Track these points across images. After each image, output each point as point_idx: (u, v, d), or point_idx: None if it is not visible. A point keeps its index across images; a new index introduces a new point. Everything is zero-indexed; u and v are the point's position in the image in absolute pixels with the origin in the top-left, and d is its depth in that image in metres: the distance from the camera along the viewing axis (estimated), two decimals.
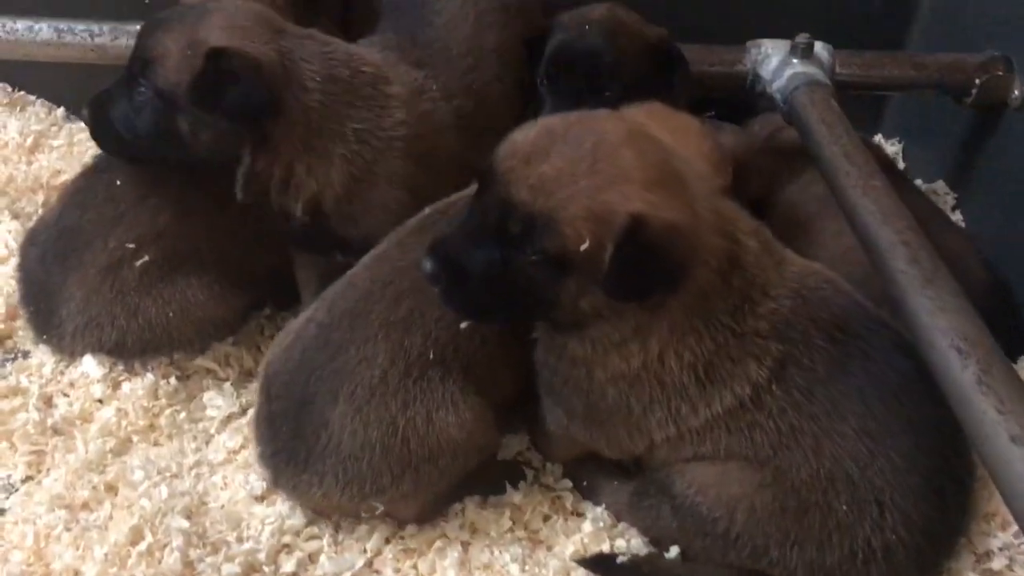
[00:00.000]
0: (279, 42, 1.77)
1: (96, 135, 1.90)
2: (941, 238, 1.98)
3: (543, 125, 1.45)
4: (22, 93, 2.89)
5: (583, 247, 1.35)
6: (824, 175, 1.92)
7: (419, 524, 1.74)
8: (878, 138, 2.82)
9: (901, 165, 2.74)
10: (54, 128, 2.80)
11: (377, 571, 1.69)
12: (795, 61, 2.21)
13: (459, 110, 2.03)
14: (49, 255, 1.98)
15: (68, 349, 2.01)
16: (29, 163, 2.63)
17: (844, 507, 1.46)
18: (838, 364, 1.49)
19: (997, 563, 1.59)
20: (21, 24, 2.30)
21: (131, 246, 1.92)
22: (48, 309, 1.99)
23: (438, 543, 1.71)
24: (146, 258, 1.92)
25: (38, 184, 2.54)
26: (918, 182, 2.58)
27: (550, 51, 2.12)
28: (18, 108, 2.85)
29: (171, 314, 1.94)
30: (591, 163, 1.37)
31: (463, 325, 1.62)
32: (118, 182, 1.95)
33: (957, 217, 2.48)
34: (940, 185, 2.57)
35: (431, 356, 1.66)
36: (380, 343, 1.66)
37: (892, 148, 2.80)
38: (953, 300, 1.51)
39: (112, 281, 1.93)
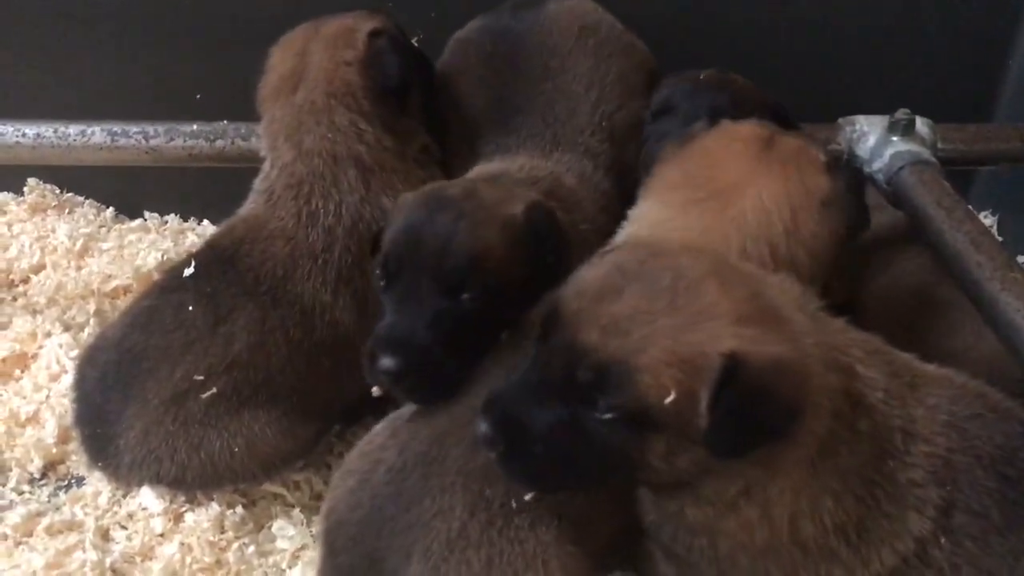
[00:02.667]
0: None
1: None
2: None
3: (613, 262, 1.26)
4: (70, 195, 2.80)
5: (668, 399, 1.14)
6: (948, 265, 1.75)
7: None
8: None
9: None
10: (103, 230, 2.69)
11: None
12: (895, 139, 2.06)
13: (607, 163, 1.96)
14: (110, 378, 1.82)
15: (125, 480, 1.85)
16: (79, 268, 2.52)
17: None
18: (1014, 507, 1.29)
19: None
20: (73, 129, 2.20)
21: (200, 378, 1.76)
22: (105, 436, 1.83)
23: None
24: (214, 390, 1.76)
25: (88, 291, 2.42)
26: (1020, 258, 2.42)
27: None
28: (66, 211, 2.75)
29: (236, 449, 1.78)
30: (670, 299, 1.18)
31: (528, 497, 1.40)
32: (190, 307, 1.80)
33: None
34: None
35: (514, 505, 1.44)
36: (458, 493, 1.45)
37: (986, 221, 2.63)
38: None
39: (176, 413, 1.77)
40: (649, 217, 1.61)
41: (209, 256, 1.88)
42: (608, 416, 1.18)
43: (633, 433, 1.18)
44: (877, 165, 2.06)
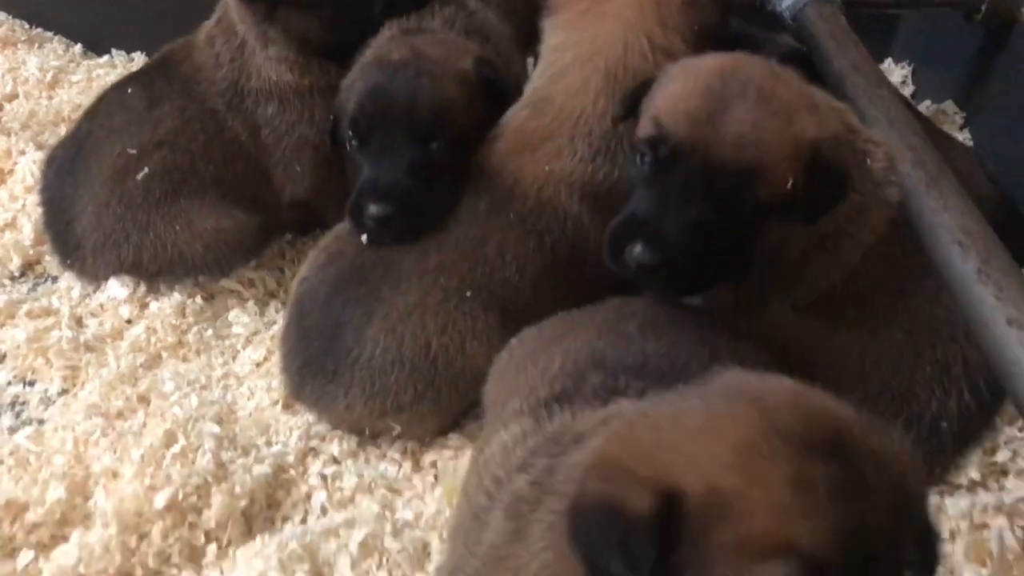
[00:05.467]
0: None
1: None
2: (948, 157, 2.03)
3: (694, 84, 1.48)
4: (39, 30, 2.93)
5: (788, 185, 1.43)
6: (833, 89, 1.94)
7: None
8: (888, 63, 2.83)
9: (911, 87, 2.75)
10: (72, 64, 2.85)
11: (406, 473, 1.77)
12: None
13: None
14: (64, 169, 2.08)
15: (91, 272, 2.09)
16: (50, 98, 2.69)
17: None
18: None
19: (1001, 456, 1.64)
20: None
21: (133, 151, 1.99)
22: (66, 226, 2.07)
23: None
24: (146, 170, 1.99)
25: (60, 118, 2.60)
26: (927, 103, 2.61)
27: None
28: (36, 45, 2.89)
29: (179, 228, 2.00)
30: (764, 105, 1.44)
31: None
32: (129, 90, 2.04)
33: (965, 136, 2.50)
34: (949, 105, 2.59)
35: (468, 293, 1.73)
36: (414, 285, 1.73)
37: (902, 71, 2.81)
38: (956, 199, 1.55)
39: (120, 194, 2.01)
40: (551, 43, 1.82)
41: (159, 59, 2.15)
42: (746, 212, 1.44)
43: (760, 221, 1.46)
44: (786, 3, 2.22)
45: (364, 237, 1.77)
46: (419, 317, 1.71)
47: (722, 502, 0.84)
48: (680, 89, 1.50)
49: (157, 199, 2.00)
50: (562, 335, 1.49)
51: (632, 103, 1.61)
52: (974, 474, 1.61)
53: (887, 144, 1.64)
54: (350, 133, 1.81)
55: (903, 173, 1.62)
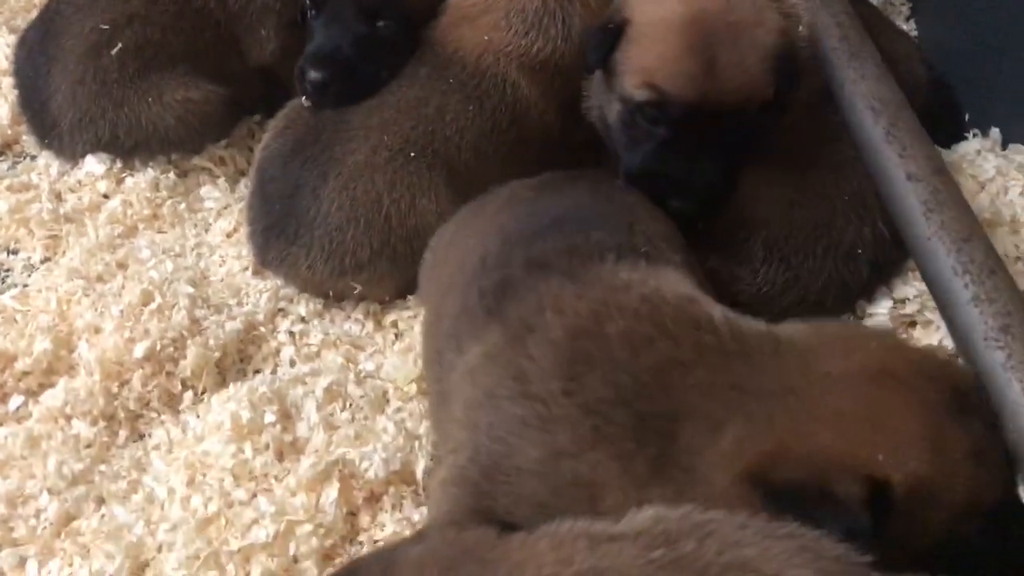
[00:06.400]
0: None
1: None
2: (887, 41, 2.14)
3: (677, 43, 1.61)
4: None
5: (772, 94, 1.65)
6: None
7: None
8: None
9: None
10: None
11: (368, 331, 1.91)
12: None
13: None
14: (35, 49, 2.14)
15: (69, 150, 2.16)
16: None
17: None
18: None
19: (910, 308, 1.79)
20: None
21: (105, 27, 2.05)
22: (41, 106, 2.14)
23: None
24: (120, 45, 2.05)
25: (31, 3, 2.63)
26: None
27: None
28: None
29: (151, 100, 2.07)
30: (740, 43, 1.62)
31: None
32: None
33: (910, 26, 2.60)
34: None
35: (412, 153, 1.84)
36: (361, 143, 1.84)
37: None
38: (873, 69, 1.67)
39: (93, 71, 2.07)
40: None
41: None
42: (748, 131, 1.65)
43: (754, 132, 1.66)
44: None
45: (304, 100, 1.90)
46: (369, 175, 1.83)
47: (926, 487, 1.08)
48: (668, 50, 1.63)
49: (131, 74, 2.07)
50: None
51: (606, 55, 1.71)
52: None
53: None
54: (307, 1, 1.92)
55: (829, 47, 1.74)
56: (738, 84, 1.60)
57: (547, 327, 1.29)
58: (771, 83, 1.61)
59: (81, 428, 1.68)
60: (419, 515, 1.53)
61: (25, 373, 1.76)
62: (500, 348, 1.33)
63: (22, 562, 1.49)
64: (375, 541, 1.53)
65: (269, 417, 1.65)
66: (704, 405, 1.18)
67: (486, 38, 1.85)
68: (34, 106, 2.17)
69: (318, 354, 1.85)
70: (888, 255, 1.73)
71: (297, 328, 1.89)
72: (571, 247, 1.43)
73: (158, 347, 1.76)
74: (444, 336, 1.47)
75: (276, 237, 1.88)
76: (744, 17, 1.64)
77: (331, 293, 1.92)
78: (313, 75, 1.88)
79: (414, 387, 1.76)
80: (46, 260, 2.03)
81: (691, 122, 1.61)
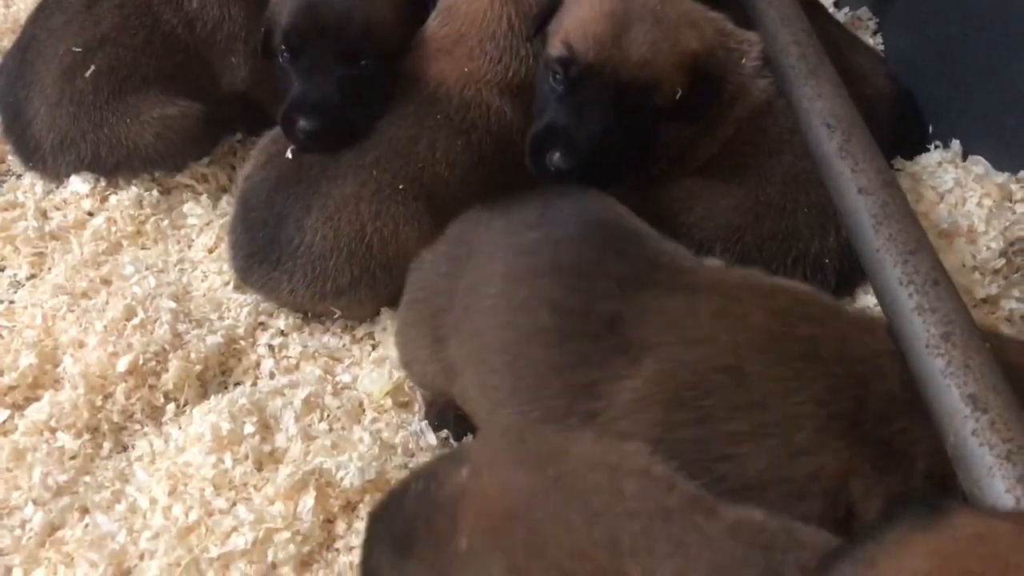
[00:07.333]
0: None
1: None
2: (853, 55, 2.22)
3: (599, 8, 1.70)
4: None
5: (678, 95, 1.71)
6: None
7: None
8: None
9: None
10: None
11: (345, 344, 1.96)
12: None
13: None
14: (14, 73, 2.18)
15: (52, 171, 2.21)
16: (7, 6, 2.78)
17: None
18: None
19: None
20: None
21: (78, 50, 2.09)
22: (24, 130, 2.18)
23: None
24: (93, 67, 2.09)
25: (17, 25, 2.68)
26: (845, 10, 2.76)
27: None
28: None
29: (129, 121, 2.12)
30: (659, 27, 1.68)
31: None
32: None
33: (877, 40, 2.67)
34: (864, 12, 2.75)
35: (400, 186, 1.88)
36: (350, 176, 1.89)
37: None
38: (830, 88, 1.73)
39: (70, 93, 2.11)
40: None
41: None
42: (646, 119, 1.71)
43: (656, 124, 1.74)
44: None
45: (292, 149, 1.92)
46: (354, 206, 1.87)
47: None
48: (586, 13, 1.71)
49: (107, 96, 2.12)
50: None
51: (540, 23, 1.81)
52: None
53: (761, 42, 1.87)
54: (282, 47, 1.95)
55: (787, 65, 1.80)
56: (642, 62, 1.67)
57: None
58: (678, 82, 1.69)
59: (66, 440, 1.72)
60: None
61: (11, 387, 1.80)
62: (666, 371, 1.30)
63: (8, 571, 1.54)
64: (351, 548, 1.58)
65: (248, 428, 1.70)
66: None
67: (465, 70, 1.90)
68: (17, 131, 2.22)
69: (297, 366, 1.91)
70: (854, 262, 1.79)
71: (276, 341, 1.94)
72: (650, 260, 1.45)
73: (141, 361, 1.81)
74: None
75: (259, 263, 1.93)
76: (674, 14, 1.73)
77: (311, 314, 1.98)
78: (304, 124, 1.88)
79: (389, 400, 1.82)
80: (32, 277, 2.08)
81: (590, 85, 1.68)
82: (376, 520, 1.26)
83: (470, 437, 1.71)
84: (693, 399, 1.27)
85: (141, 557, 1.56)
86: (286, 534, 1.54)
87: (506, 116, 1.92)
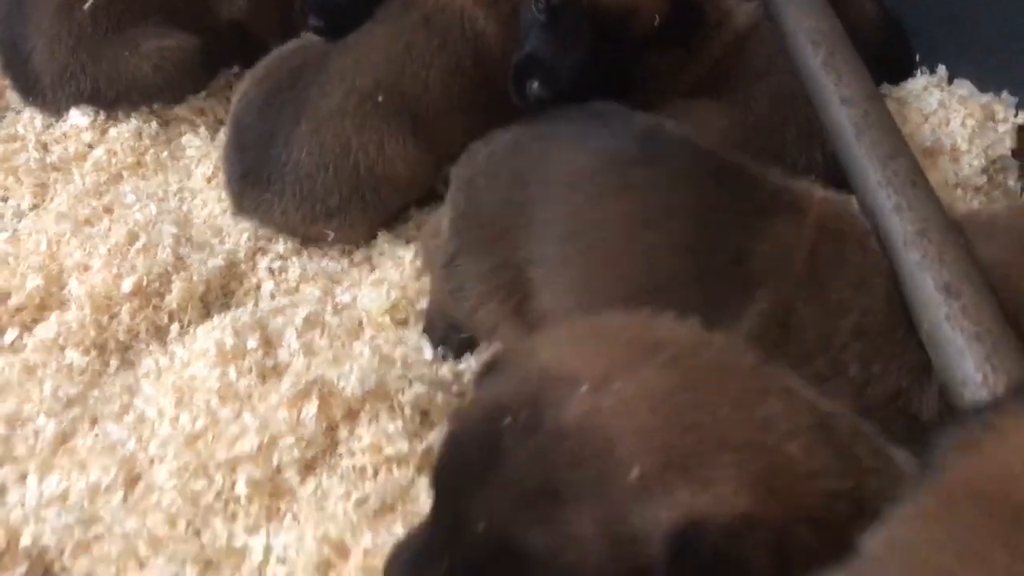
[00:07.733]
0: None
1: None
2: None
3: None
4: None
5: (656, 22, 1.69)
6: None
7: None
8: None
9: None
10: None
11: (344, 267, 2.01)
12: None
13: None
14: (11, 11, 2.20)
15: (52, 105, 2.24)
16: None
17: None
18: None
19: None
20: None
21: None
22: (23, 64, 2.21)
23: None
24: (91, 1, 2.12)
25: None
26: None
27: None
28: None
29: (127, 53, 2.16)
30: None
31: None
32: None
33: None
34: None
35: (380, 97, 1.92)
36: (335, 87, 1.93)
37: None
38: (817, 6, 1.77)
39: (69, 27, 2.14)
40: None
41: None
42: (624, 48, 1.70)
43: (636, 53, 1.73)
44: None
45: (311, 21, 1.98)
46: (339, 120, 1.92)
47: None
48: None
49: (105, 29, 2.15)
50: None
51: None
52: None
53: None
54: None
55: None
56: None
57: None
58: (656, 9, 1.69)
59: (74, 357, 1.77)
60: (394, 428, 1.64)
61: (19, 308, 1.85)
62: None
63: (23, 477, 1.60)
64: (353, 453, 1.63)
65: (252, 343, 1.75)
66: None
67: None
68: (16, 66, 2.25)
69: (297, 288, 1.96)
70: (840, 178, 1.84)
71: (276, 265, 1.99)
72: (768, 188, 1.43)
73: (145, 282, 1.86)
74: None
75: (251, 185, 1.97)
76: None
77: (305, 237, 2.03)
78: (313, 22, 1.97)
79: (387, 318, 1.87)
80: (35, 207, 2.12)
81: (570, 14, 1.69)
82: (456, 478, 0.96)
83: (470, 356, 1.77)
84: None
85: (151, 462, 1.61)
86: (290, 439, 1.60)
87: (479, 23, 1.94)
